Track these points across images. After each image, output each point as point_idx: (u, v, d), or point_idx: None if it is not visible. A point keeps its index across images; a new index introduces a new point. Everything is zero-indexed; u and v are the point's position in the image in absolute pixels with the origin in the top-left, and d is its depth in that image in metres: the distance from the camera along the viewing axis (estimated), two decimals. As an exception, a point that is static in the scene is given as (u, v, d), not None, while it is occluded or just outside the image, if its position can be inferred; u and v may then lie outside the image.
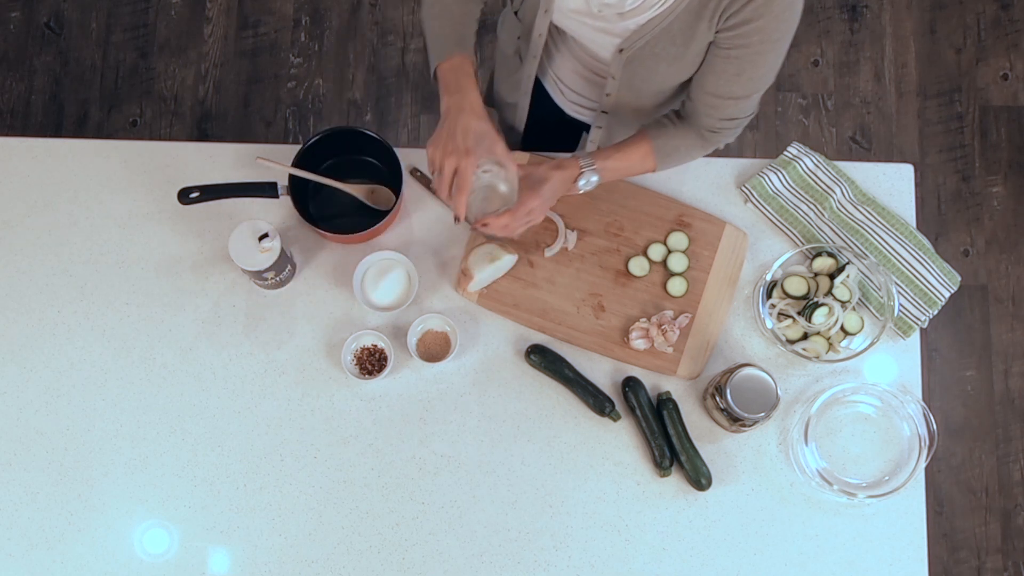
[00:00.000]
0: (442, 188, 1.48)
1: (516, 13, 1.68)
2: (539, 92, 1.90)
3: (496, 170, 1.51)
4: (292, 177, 1.77)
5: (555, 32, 1.72)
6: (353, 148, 1.83)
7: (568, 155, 1.68)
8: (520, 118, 1.93)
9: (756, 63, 1.46)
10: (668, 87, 1.62)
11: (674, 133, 1.63)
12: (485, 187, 1.52)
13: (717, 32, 1.44)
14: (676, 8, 1.43)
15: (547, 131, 1.99)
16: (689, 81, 1.59)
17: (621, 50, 1.54)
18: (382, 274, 1.79)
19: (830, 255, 1.83)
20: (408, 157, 1.88)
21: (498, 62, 1.94)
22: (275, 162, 1.75)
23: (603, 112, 1.77)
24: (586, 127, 1.95)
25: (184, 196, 1.72)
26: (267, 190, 1.76)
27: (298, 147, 1.80)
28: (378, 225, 1.77)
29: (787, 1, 1.37)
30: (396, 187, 1.79)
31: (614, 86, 1.65)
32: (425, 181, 1.88)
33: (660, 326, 1.79)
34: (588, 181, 1.64)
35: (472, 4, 1.63)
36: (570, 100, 1.86)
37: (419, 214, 1.87)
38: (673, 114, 1.66)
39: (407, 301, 1.78)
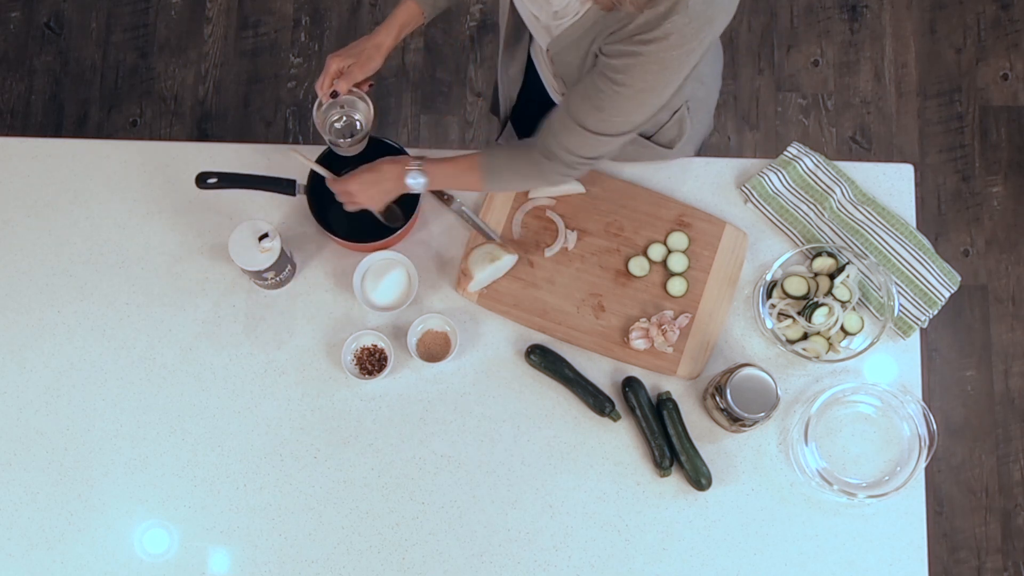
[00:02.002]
0: (319, 85, 1.66)
1: None
2: (536, 83, 1.91)
3: (359, 103, 1.71)
4: (311, 178, 1.77)
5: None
6: (372, 155, 1.80)
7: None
8: (507, 106, 1.94)
9: (615, 103, 1.43)
10: None
11: (504, 150, 1.64)
12: (344, 106, 1.72)
13: (598, 52, 1.45)
14: (585, 22, 1.45)
15: (540, 117, 2.00)
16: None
17: (548, 50, 1.57)
18: (382, 274, 1.79)
19: (830, 255, 1.83)
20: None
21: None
22: (307, 157, 1.75)
23: None
24: None
25: (202, 180, 1.72)
26: (285, 186, 1.76)
27: (308, 146, 1.81)
28: (391, 236, 1.78)
29: (657, 58, 1.35)
30: (412, 195, 1.78)
31: (560, 85, 1.68)
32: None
33: (660, 326, 1.79)
34: (415, 179, 1.66)
35: None
36: (554, 89, 1.87)
37: (420, 215, 1.87)
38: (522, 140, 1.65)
39: (407, 301, 1.78)
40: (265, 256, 1.69)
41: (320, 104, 1.68)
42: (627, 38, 1.36)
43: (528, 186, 1.65)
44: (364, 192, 1.67)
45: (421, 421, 1.79)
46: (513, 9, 1.67)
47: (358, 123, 1.72)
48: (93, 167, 1.89)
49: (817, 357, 1.80)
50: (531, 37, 1.84)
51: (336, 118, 1.73)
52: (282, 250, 1.71)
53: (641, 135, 1.84)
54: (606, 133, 1.48)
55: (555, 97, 1.90)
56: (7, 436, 1.78)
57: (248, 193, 1.85)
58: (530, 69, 1.91)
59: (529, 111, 2.03)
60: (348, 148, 1.72)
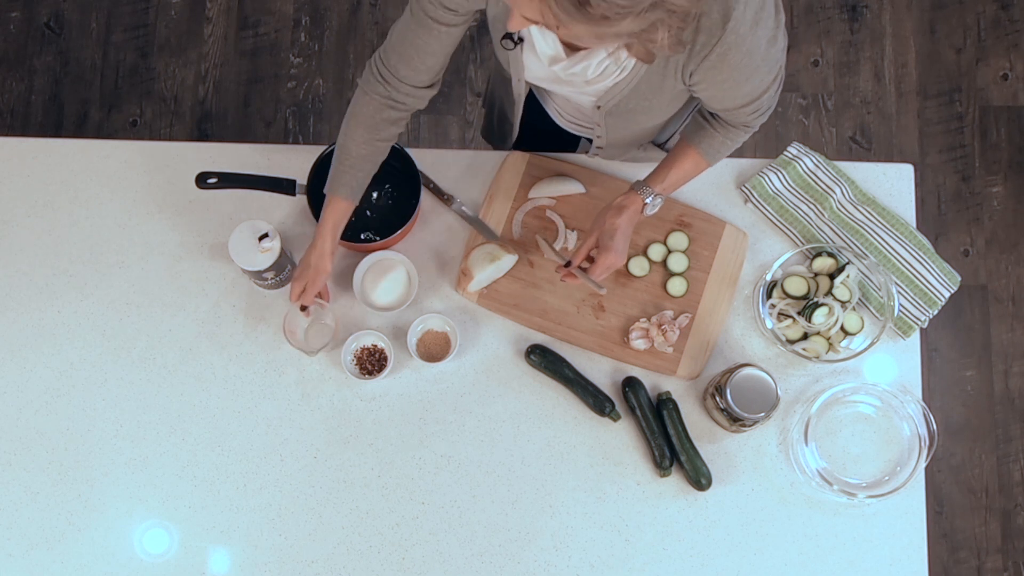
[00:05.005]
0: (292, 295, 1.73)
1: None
2: (537, 107, 1.90)
3: (319, 310, 1.78)
4: (311, 178, 1.77)
5: None
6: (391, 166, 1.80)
7: (625, 190, 1.70)
8: (512, 132, 1.94)
9: (745, 85, 1.44)
10: (653, 126, 1.67)
11: (714, 133, 1.64)
12: (313, 318, 1.81)
13: (689, 85, 1.46)
14: (638, 72, 1.46)
15: (545, 137, 1.99)
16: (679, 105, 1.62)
17: (599, 107, 1.58)
18: (382, 274, 1.79)
19: (830, 255, 1.83)
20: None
21: (495, 70, 1.94)
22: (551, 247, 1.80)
23: (599, 148, 1.79)
24: (581, 137, 1.96)
25: (202, 180, 1.72)
26: (285, 186, 1.76)
27: (308, 146, 1.82)
28: (391, 237, 1.78)
29: (742, 50, 1.35)
30: (411, 194, 1.79)
31: (601, 131, 1.69)
32: (426, 182, 1.88)
33: (660, 326, 1.79)
34: (654, 206, 1.67)
35: (373, 153, 1.67)
36: (567, 120, 1.86)
37: (420, 215, 1.87)
38: (706, 111, 1.64)
39: (407, 301, 1.78)
40: (265, 256, 1.69)
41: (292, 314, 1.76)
42: (701, 61, 1.36)
43: (743, 141, 1.69)
44: (624, 254, 1.66)
45: (421, 421, 1.79)
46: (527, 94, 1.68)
47: (325, 318, 1.81)
48: (93, 167, 1.89)
49: (817, 357, 1.80)
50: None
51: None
52: (282, 250, 1.71)
53: (654, 143, 1.84)
54: (766, 90, 1.49)
55: (568, 128, 1.89)
56: (7, 436, 1.78)
57: (248, 193, 1.85)
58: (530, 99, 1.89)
59: (533, 136, 2.02)
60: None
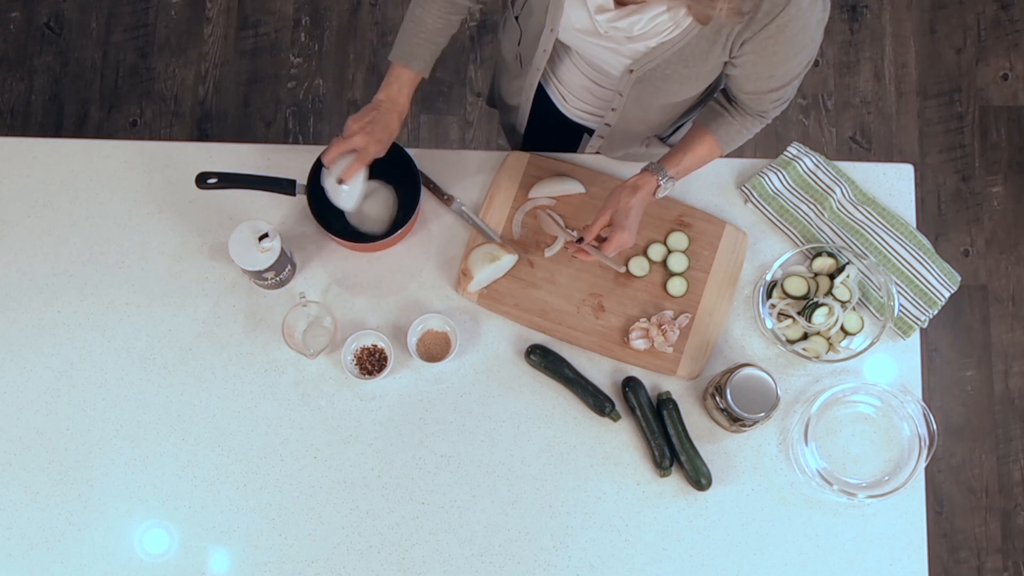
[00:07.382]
0: (335, 148, 1.64)
1: (517, 19, 1.67)
2: (541, 96, 1.90)
3: (319, 311, 1.78)
4: (311, 178, 1.76)
5: (561, 45, 1.72)
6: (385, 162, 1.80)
7: (637, 170, 1.70)
8: (521, 121, 1.93)
9: (786, 63, 1.46)
10: (677, 101, 1.65)
11: (731, 120, 1.64)
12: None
13: (733, 57, 1.46)
14: (689, 33, 1.44)
15: (547, 132, 1.99)
16: (700, 89, 1.61)
17: (631, 70, 1.55)
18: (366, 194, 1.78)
19: (830, 255, 1.83)
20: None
21: (499, 65, 1.94)
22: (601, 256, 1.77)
23: (607, 124, 1.77)
24: (586, 129, 1.96)
25: (202, 180, 1.72)
26: (285, 186, 1.75)
27: (308, 146, 1.82)
28: (391, 236, 1.77)
29: (800, 23, 1.37)
30: (411, 194, 1.79)
31: (620, 102, 1.67)
32: (426, 182, 1.88)
33: (660, 326, 1.79)
34: (665, 189, 1.67)
35: (446, 26, 1.68)
36: (573, 107, 1.85)
37: (419, 215, 1.87)
38: (723, 98, 1.64)
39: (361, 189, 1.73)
40: (265, 256, 1.69)
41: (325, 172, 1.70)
42: (760, 30, 1.37)
43: (757, 132, 1.70)
44: (635, 234, 1.67)
45: (421, 421, 1.79)
46: (557, 42, 1.65)
47: (325, 319, 1.80)
48: (93, 167, 1.89)
49: (817, 357, 1.80)
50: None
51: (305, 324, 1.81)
52: (282, 250, 1.71)
53: (657, 137, 1.84)
54: (794, 78, 1.51)
55: (573, 116, 1.88)
56: (7, 436, 1.78)
57: (248, 193, 1.85)
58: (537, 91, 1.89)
59: (536, 130, 2.02)
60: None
